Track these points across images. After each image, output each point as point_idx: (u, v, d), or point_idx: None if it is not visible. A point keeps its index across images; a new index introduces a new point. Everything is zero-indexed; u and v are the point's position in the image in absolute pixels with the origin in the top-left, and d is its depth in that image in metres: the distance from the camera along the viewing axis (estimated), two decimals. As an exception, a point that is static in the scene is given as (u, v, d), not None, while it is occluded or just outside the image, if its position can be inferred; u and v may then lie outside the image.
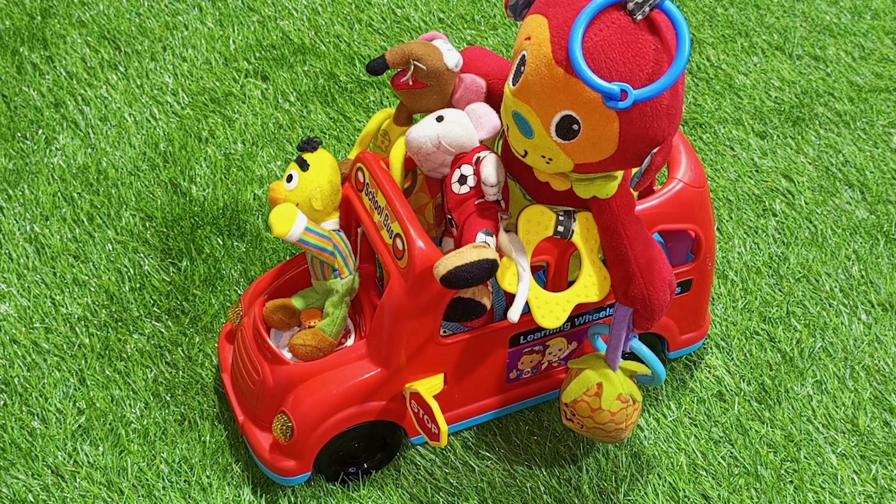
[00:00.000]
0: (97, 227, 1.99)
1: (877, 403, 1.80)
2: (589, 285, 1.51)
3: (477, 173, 1.48)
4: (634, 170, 1.48)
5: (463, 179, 1.50)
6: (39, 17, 2.38)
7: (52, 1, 2.41)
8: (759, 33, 2.42)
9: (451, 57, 1.54)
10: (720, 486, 1.69)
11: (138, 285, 1.91)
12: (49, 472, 1.68)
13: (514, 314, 1.47)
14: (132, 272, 1.93)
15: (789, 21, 2.45)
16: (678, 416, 1.77)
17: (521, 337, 1.63)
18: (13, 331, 1.84)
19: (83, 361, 1.80)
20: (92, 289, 1.90)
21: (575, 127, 1.36)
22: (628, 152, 1.38)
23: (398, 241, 1.52)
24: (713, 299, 1.92)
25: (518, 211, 1.50)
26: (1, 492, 1.65)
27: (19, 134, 2.15)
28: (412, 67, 1.53)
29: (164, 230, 1.99)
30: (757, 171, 2.14)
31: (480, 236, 1.47)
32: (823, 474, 1.71)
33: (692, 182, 1.62)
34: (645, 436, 1.74)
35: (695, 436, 1.75)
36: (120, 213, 2.02)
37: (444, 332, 1.59)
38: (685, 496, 1.68)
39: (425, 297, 1.52)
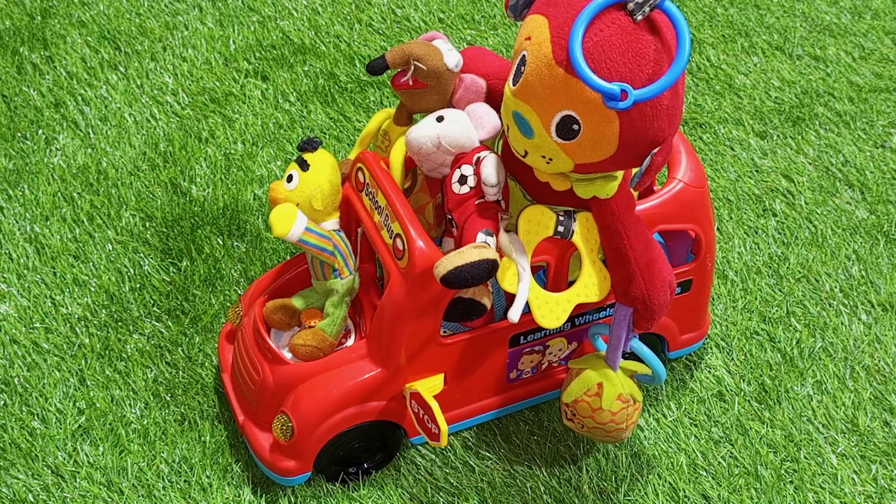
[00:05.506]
0: (97, 227, 1.99)
1: (877, 403, 1.80)
2: (589, 285, 1.51)
3: (477, 173, 1.48)
4: (635, 170, 1.48)
5: (463, 179, 1.49)
6: (39, 17, 2.38)
7: (52, 1, 2.41)
8: (759, 33, 2.42)
9: (452, 57, 1.54)
10: (720, 486, 1.69)
11: (138, 285, 1.91)
12: (49, 472, 1.68)
13: (515, 314, 1.47)
14: (132, 272, 1.93)
15: (789, 21, 2.45)
16: (678, 416, 1.77)
17: (522, 337, 1.63)
18: (13, 331, 1.84)
19: (83, 361, 1.80)
20: (92, 289, 1.90)
21: (575, 127, 1.36)
22: (629, 152, 1.38)
23: (398, 241, 1.52)
24: (713, 299, 1.92)
25: (518, 211, 1.50)
26: (1, 492, 1.65)
27: (19, 134, 2.15)
28: (412, 67, 1.53)
29: (164, 230, 1.99)
30: (757, 171, 2.14)
31: (481, 236, 1.46)
32: (823, 474, 1.71)
33: (692, 182, 1.62)
34: (645, 436, 1.74)
35: (695, 436, 1.75)
36: (120, 213, 2.02)
37: (445, 332, 1.59)
38: (685, 496, 1.68)
39: (425, 297, 1.52)
